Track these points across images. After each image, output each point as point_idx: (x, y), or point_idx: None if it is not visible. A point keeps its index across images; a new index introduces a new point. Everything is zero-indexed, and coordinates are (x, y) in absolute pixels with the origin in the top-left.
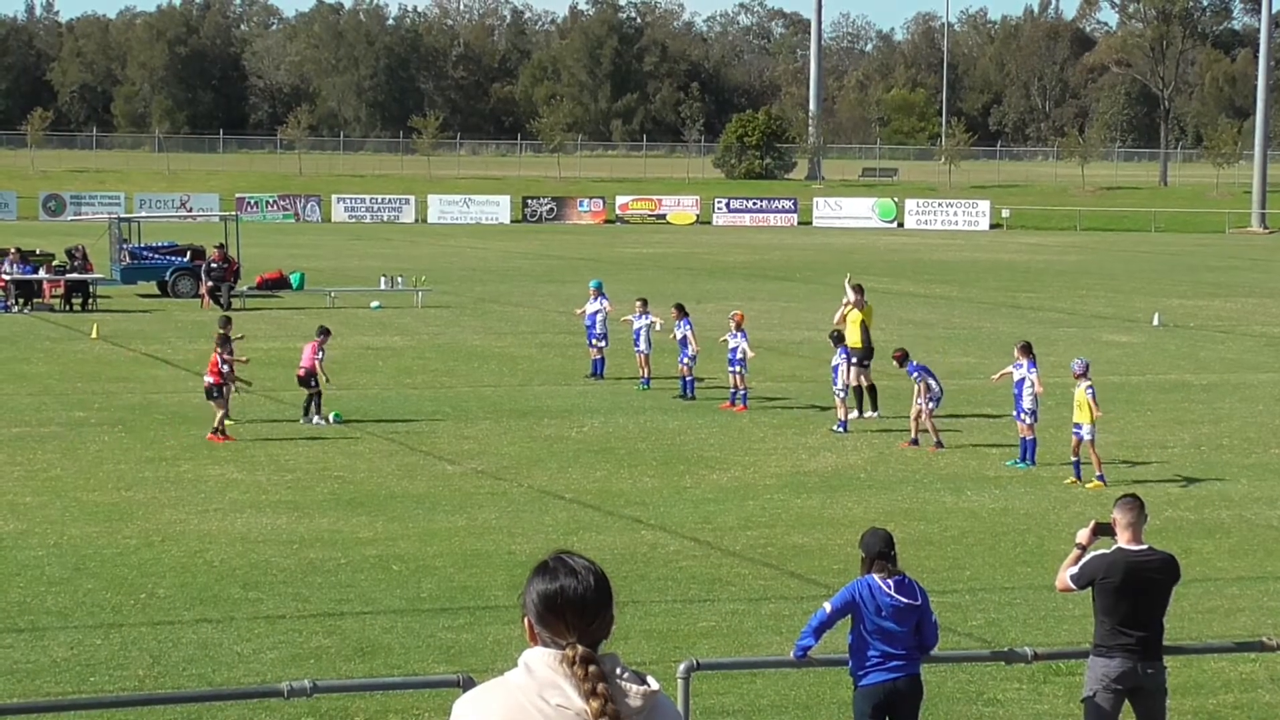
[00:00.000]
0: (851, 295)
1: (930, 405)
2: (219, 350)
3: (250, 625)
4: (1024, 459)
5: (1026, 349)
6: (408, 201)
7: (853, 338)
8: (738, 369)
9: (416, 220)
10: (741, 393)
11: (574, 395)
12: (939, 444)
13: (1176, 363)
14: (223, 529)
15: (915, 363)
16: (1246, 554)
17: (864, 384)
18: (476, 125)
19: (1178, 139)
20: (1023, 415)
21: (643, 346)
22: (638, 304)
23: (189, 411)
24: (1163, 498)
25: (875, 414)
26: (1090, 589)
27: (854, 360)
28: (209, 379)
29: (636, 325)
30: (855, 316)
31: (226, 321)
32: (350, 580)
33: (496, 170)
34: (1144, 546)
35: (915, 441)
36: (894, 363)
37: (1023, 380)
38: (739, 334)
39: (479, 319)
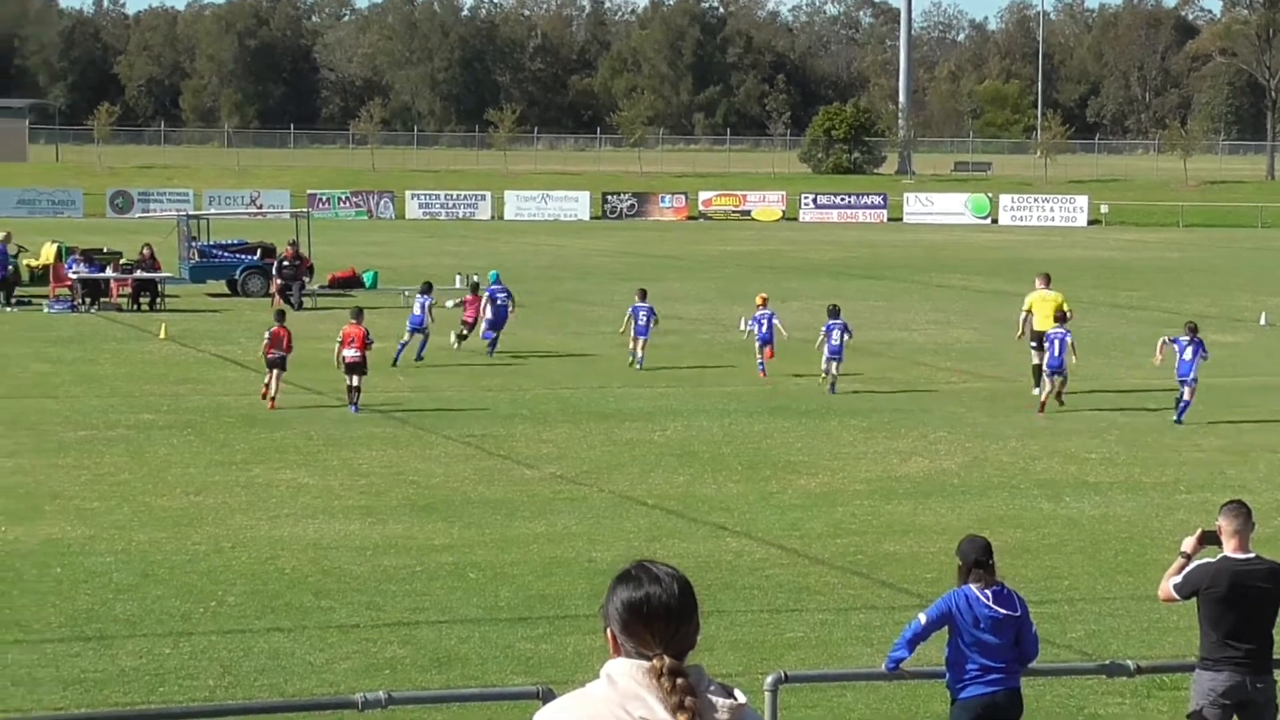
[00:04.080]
0: (1039, 284)
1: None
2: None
3: (323, 634)
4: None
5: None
6: (483, 197)
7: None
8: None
9: (492, 217)
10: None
11: (655, 397)
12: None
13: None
14: (294, 535)
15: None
16: None
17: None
18: (554, 119)
19: None
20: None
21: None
22: (637, 294)
23: (259, 414)
24: (1271, 504)
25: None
26: (1195, 599)
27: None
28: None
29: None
30: (1048, 302)
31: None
32: (425, 588)
33: (575, 165)
34: (1250, 555)
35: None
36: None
37: (1190, 354)
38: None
39: (556, 318)
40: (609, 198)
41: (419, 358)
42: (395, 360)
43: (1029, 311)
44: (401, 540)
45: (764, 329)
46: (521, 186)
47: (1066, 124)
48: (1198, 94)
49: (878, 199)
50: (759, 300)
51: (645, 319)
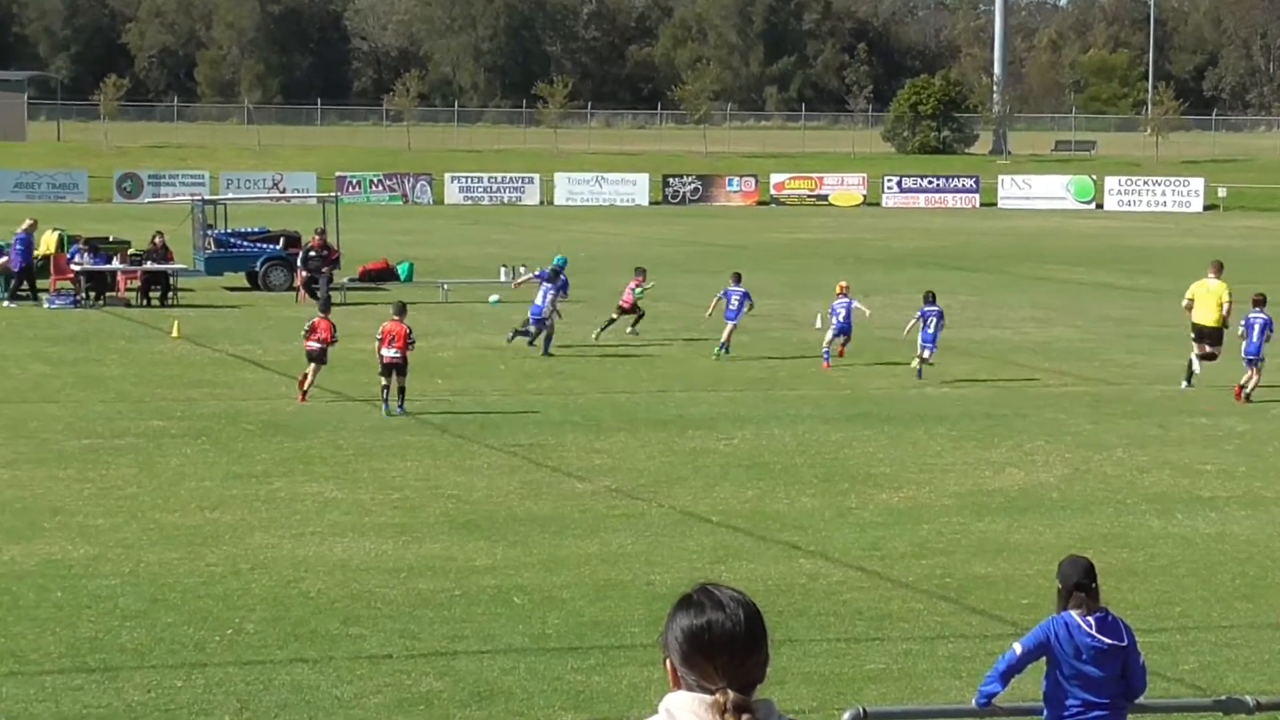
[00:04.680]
0: (1210, 273)
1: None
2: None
3: (351, 665)
4: None
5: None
6: (531, 181)
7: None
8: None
9: (541, 202)
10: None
11: (721, 402)
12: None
13: None
14: (320, 555)
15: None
16: None
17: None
18: (610, 93)
19: None
20: None
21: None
22: (731, 278)
23: (282, 420)
24: None
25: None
26: None
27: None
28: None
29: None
30: (1211, 294)
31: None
32: (465, 614)
33: (633, 145)
34: None
35: None
36: None
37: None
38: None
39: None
40: (670, 180)
41: (546, 353)
42: (520, 338)
43: (1191, 300)
44: (439, 561)
45: (842, 318)
46: (573, 168)
47: (1180, 98)
48: None
49: (969, 182)
50: (839, 288)
51: (738, 303)
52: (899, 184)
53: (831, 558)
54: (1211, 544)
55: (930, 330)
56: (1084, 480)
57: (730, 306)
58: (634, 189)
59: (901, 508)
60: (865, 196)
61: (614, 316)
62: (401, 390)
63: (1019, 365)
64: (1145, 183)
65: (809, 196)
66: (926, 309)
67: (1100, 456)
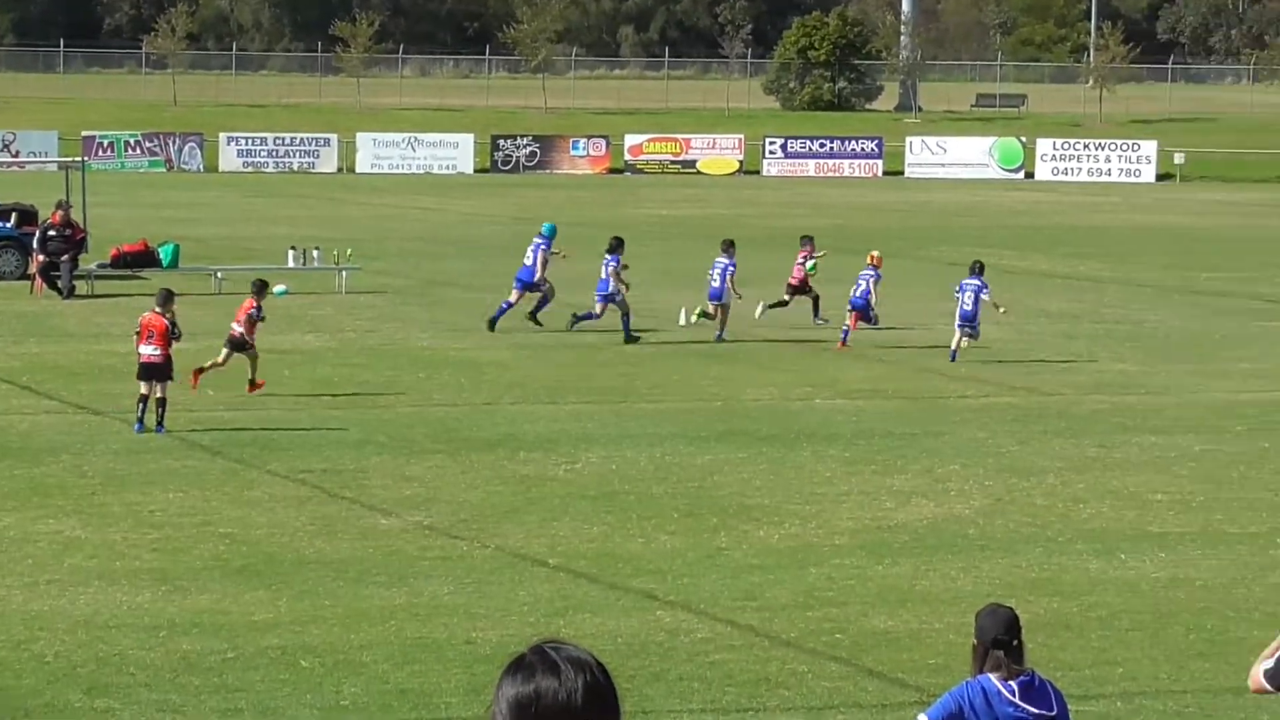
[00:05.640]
0: None
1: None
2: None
3: None
4: None
5: None
6: (327, 143)
7: None
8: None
9: (340, 169)
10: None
11: (563, 418)
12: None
13: None
14: (59, 610)
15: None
16: None
17: None
18: (427, 34)
19: None
20: None
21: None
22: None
23: (11, 441)
24: None
25: None
26: None
27: None
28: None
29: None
30: None
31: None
32: (241, 682)
33: (455, 98)
34: None
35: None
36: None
37: None
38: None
39: (428, 310)
40: (501, 142)
41: (630, 338)
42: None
43: None
44: (208, 616)
45: (860, 291)
46: (380, 127)
47: (1130, 43)
48: None
49: (871, 145)
50: (871, 258)
51: (720, 278)
52: (784, 147)
53: (697, 609)
54: (1162, 591)
55: (968, 307)
56: (1008, 513)
57: (714, 285)
58: (456, 153)
59: (783, 548)
60: (742, 163)
61: (785, 298)
62: (162, 403)
63: (931, 372)
64: (1086, 146)
65: (673, 163)
66: (966, 282)
67: (1028, 484)
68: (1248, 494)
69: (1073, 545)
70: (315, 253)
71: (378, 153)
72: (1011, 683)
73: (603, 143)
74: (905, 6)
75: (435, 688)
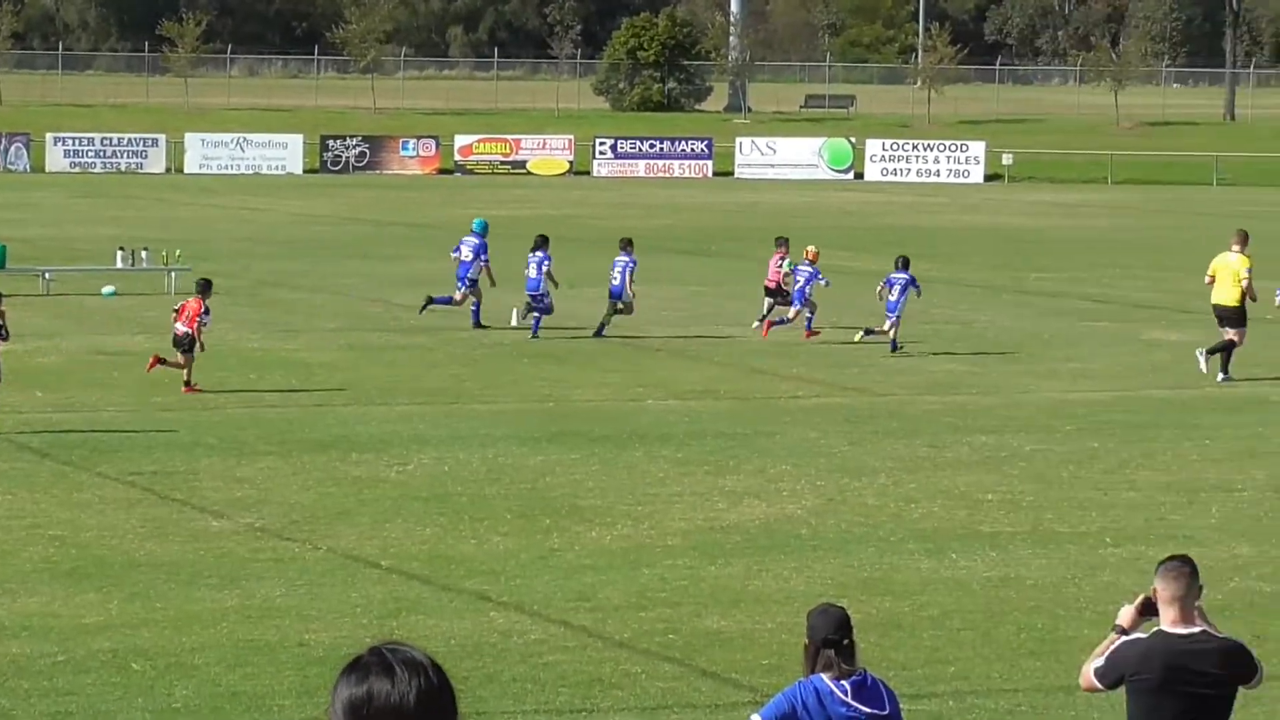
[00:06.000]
0: (1234, 244)
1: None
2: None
3: None
4: None
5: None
6: (155, 143)
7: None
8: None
9: (168, 169)
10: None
11: (394, 419)
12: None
13: (1250, 369)
14: None
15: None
16: None
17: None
18: (255, 34)
19: (1250, 54)
20: None
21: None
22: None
23: None
24: (1227, 561)
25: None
26: (1123, 689)
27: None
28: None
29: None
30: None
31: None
32: (71, 685)
33: (284, 98)
34: (1195, 630)
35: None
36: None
37: None
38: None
39: (258, 310)
40: (331, 143)
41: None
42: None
43: (1213, 276)
44: (37, 619)
45: (797, 287)
46: (209, 128)
47: (958, 44)
48: (1135, 2)
49: (700, 145)
50: (807, 254)
51: (620, 276)
52: (614, 148)
53: (530, 610)
54: (993, 590)
55: (894, 299)
56: (840, 513)
57: (613, 283)
58: (285, 153)
59: (616, 548)
60: (573, 163)
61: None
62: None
63: (762, 372)
64: (915, 147)
65: (503, 163)
66: (893, 276)
67: (860, 484)
68: (1077, 493)
69: (904, 545)
70: (144, 253)
71: (206, 153)
72: (844, 682)
73: (432, 143)
74: (734, 7)
75: (268, 690)
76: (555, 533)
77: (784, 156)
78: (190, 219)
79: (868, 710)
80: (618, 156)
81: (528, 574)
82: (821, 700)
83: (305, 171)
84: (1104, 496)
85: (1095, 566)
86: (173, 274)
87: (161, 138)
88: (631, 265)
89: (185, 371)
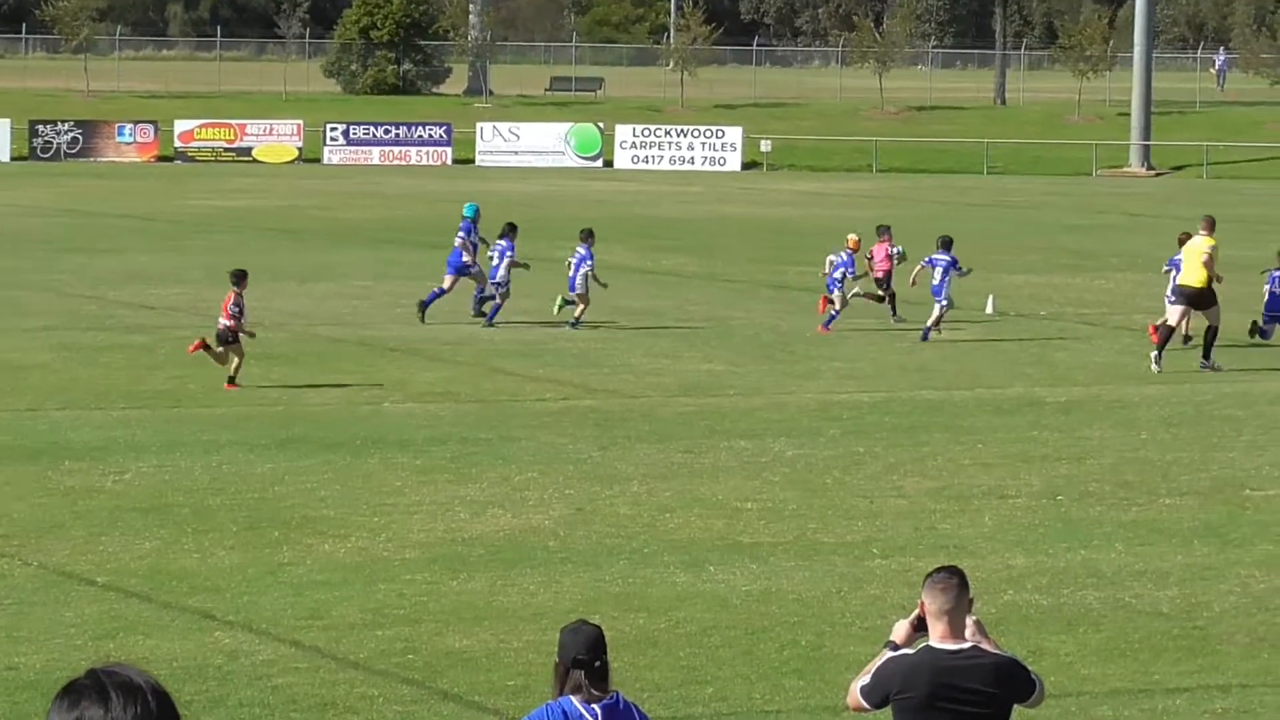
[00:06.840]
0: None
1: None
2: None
3: None
4: None
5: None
6: None
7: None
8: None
9: None
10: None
11: (111, 425)
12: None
13: (1021, 370)
14: None
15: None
16: (1123, 655)
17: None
18: None
19: (1021, 35)
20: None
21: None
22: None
23: None
24: (1000, 572)
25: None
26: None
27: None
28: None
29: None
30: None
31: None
32: None
33: None
34: (965, 645)
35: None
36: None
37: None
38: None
39: None
40: (40, 128)
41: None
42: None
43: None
44: None
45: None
46: None
47: (712, 24)
48: None
49: (439, 131)
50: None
51: (575, 269)
52: (346, 134)
53: (258, 629)
54: (754, 605)
55: (937, 282)
56: (590, 523)
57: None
58: None
59: (350, 562)
60: (301, 150)
61: (879, 293)
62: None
63: (506, 373)
64: (667, 133)
65: (226, 150)
66: (935, 257)
67: (611, 492)
68: (842, 501)
69: (659, 557)
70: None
71: None
72: (594, 706)
73: (151, 129)
74: None
75: None
76: (285, 546)
77: (528, 143)
78: None
79: None
80: (350, 143)
81: (255, 590)
82: None
83: (13, 159)
84: (870, 504)
85: (862, 579)
86: None
87: None
88: (589, 260)
89: (231, 367)
